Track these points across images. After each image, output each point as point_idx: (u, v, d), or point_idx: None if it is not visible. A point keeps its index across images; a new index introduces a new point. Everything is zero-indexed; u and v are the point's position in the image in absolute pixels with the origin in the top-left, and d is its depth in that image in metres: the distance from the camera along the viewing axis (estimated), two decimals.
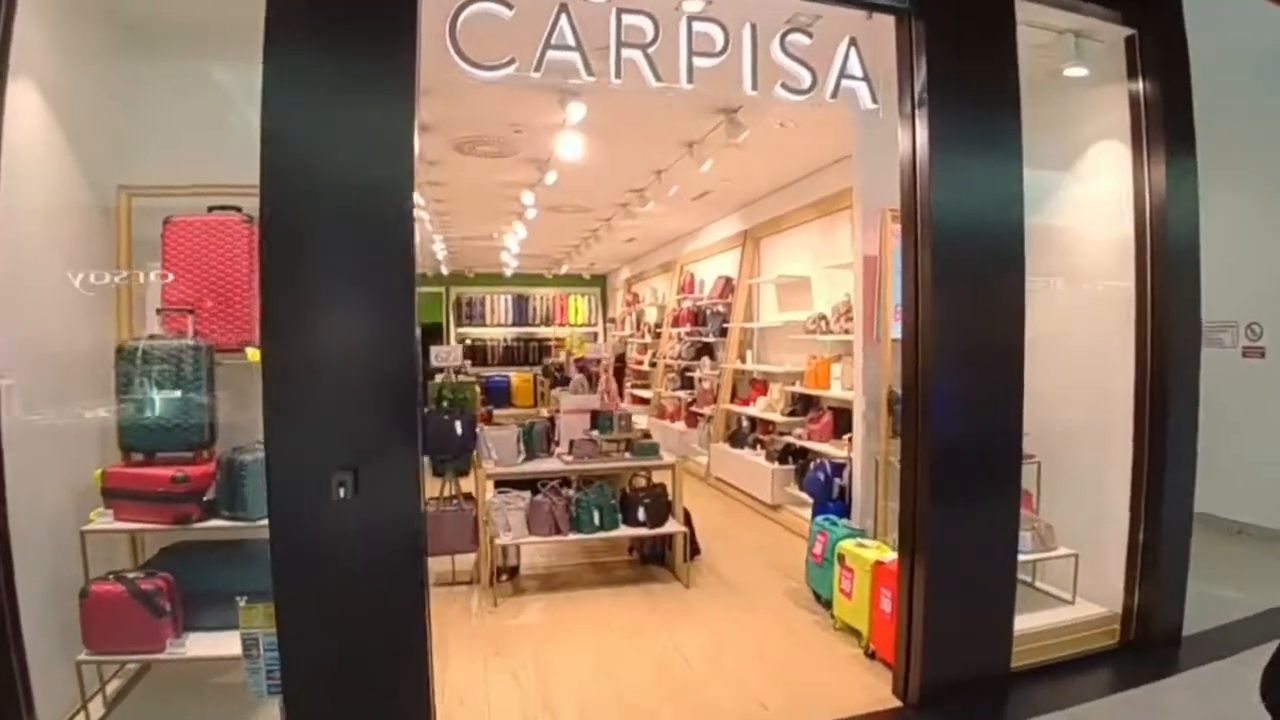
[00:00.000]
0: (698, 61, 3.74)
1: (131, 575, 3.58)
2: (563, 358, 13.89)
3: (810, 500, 6.42)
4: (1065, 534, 4.98)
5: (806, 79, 3.82)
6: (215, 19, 3.77)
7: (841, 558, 4.89)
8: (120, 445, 3.77)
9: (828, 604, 5.16)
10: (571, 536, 5.79)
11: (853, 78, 3.88)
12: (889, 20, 4.00)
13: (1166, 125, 4.51)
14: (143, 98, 4.00)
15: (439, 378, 6.67)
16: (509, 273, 16.83)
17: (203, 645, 3.61)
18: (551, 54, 3.60)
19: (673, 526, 5.93)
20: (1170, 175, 4.49)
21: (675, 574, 6.04)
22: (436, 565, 5.97)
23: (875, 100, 3.94)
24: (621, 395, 14.33)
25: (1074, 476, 5.03)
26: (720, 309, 10.50)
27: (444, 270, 16.82)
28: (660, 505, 5.90)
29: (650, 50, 3.65)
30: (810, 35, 3.83)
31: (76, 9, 3.73)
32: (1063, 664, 4.46)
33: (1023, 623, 4.48)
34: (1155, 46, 4.53)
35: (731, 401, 9.66)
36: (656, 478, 6.21)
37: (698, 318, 11.29)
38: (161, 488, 3.61)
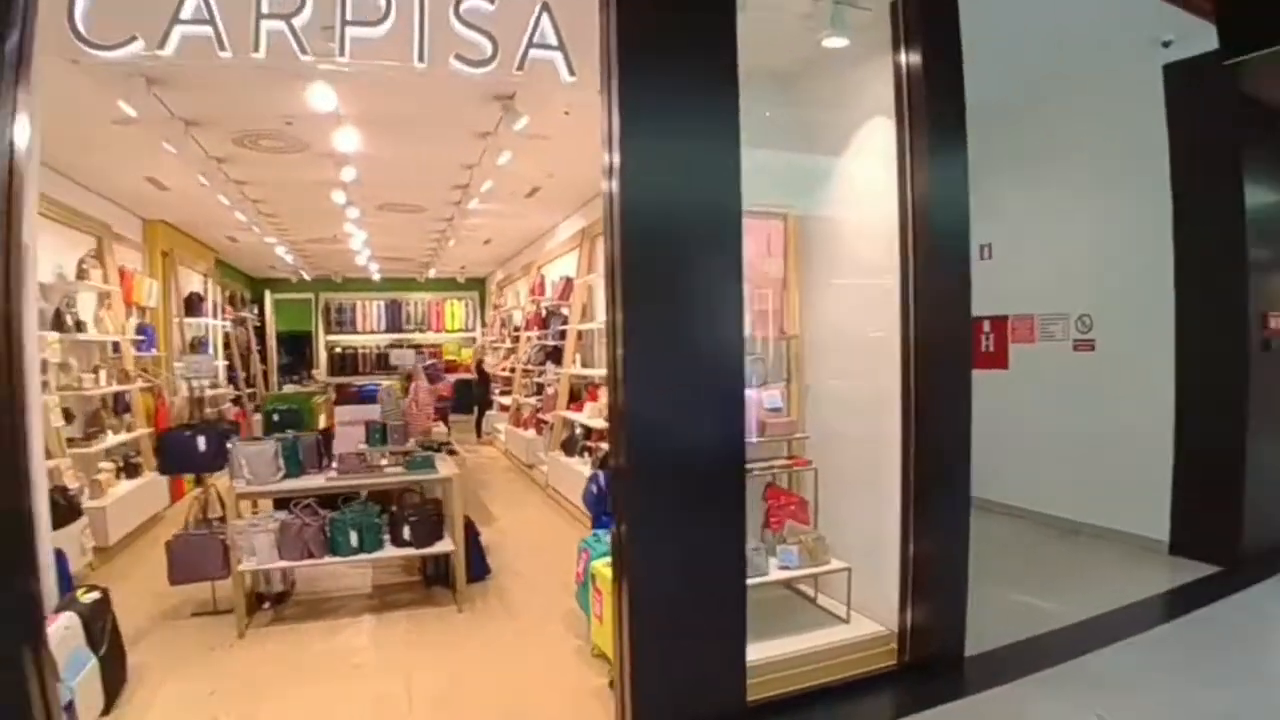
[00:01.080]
0: (363, 32, 3.32)
1: None
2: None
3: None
4: (847, 546, 4.66)
5: (487, 48, 3.41)
6: None
7: (594, 578, 4.48)
8: None
9: None
10: (326, 560, 5.26)
11: (546, 48, 3.49)
12: None
13: (932, 101, 4.16)
14: None
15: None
16: (378, 277, 16.16)
17: None
18: (185, 29, 3.20)
19: (444, 546, 5.45)
20: (935, 156, 4.15)
21: (455, 598, 5.56)
22: (197, 593, 5.47)
23: (573, 73, 3.55)
24: (490, 402, 13.89)
25: (853, 484, 4.70)
26: (564, 311, 10.09)
27: (306, 275, 16.04)
28: (430, 523, 5.42)
29: (296, 20, 3.22)
30: (493, 1, 3.42)
31: None
32: (827, 691, 4.11)
33: (795, 644, 4.21)
34: (920, 13, 4.18)
35: (569, 407, 9.23)
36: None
37: (545, 321, 10.86)
38: None
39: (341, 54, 3.30)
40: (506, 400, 12.94)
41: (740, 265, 3.50)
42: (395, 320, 17.61)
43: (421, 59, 3.35)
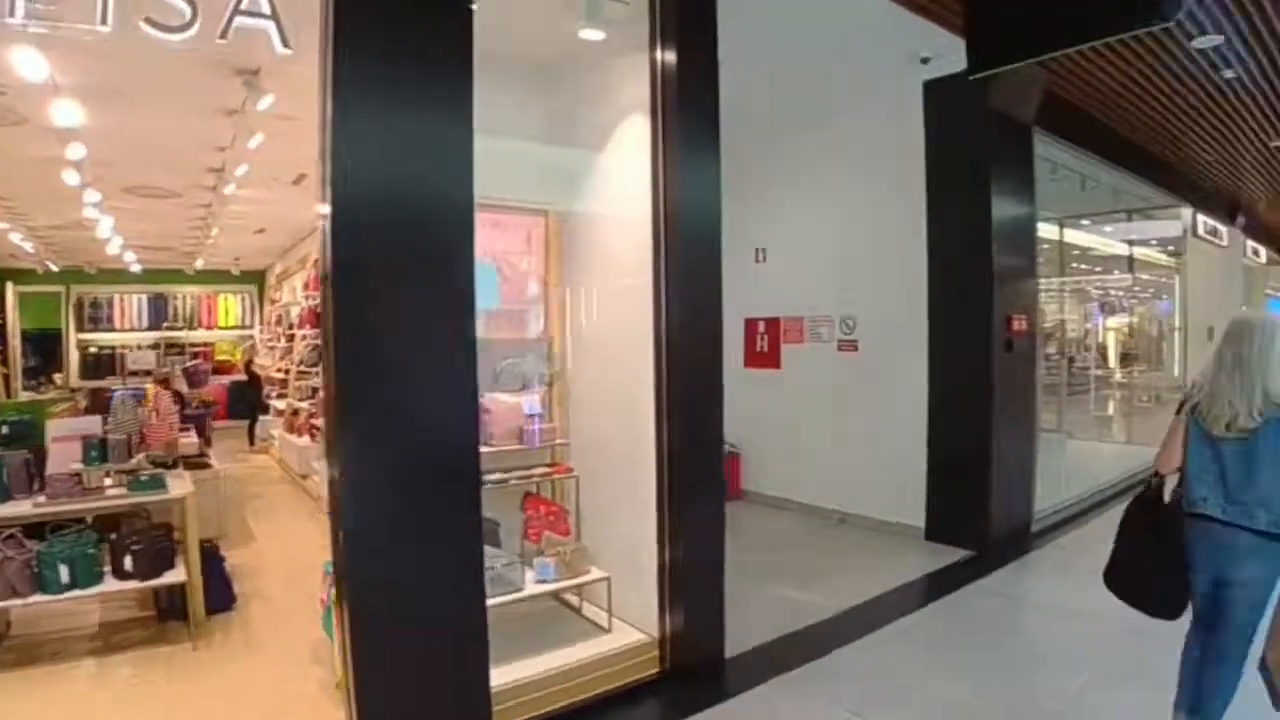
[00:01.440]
0: None
1: None
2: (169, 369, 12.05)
3: None
4: (610, 554, 4.54)
5: (186, 12, 2.98)
6: None
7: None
8: None
9: None
10: (34, 599, 4.55)
11: (256, 15, 3.10)
12: None
13: (686, 100, 4.10)
14: None
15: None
16: (138, 268, 14.60)
17: None
18: None
19: (175, 576, 4.86)
20: (689, 156, 4.10)
21: (191, 633, 4.97)
22: None
23: (287, 45, 3.18)
24: (265, 406, 12.92)
25: (614, 490, 4.57)
26: None
27: (53, 266, 14.25)
28: (157, 551, 4.81)
29: None
30: None
31: None
32: (584, 708, 3.96)
33: (555, 660, 4.06)
34: (677, 10, 4.09)
35: None
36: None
37: (319, 318, 10.14)
38: None
39: (11, 15, 2.79)
40: (283, 404, 12.05)
41: (470, 261, 3.26)
42: (160, 316, 15.98)
43: (105, 21, 2.88)
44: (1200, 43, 6.10)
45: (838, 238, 7.45)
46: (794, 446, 7.88)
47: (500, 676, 3.65)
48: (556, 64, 4.77)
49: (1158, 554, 3.14)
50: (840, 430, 7.40)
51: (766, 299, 8.02)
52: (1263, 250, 18.13)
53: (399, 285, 3.10)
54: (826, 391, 7.53)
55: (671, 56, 4.05)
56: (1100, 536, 7.03)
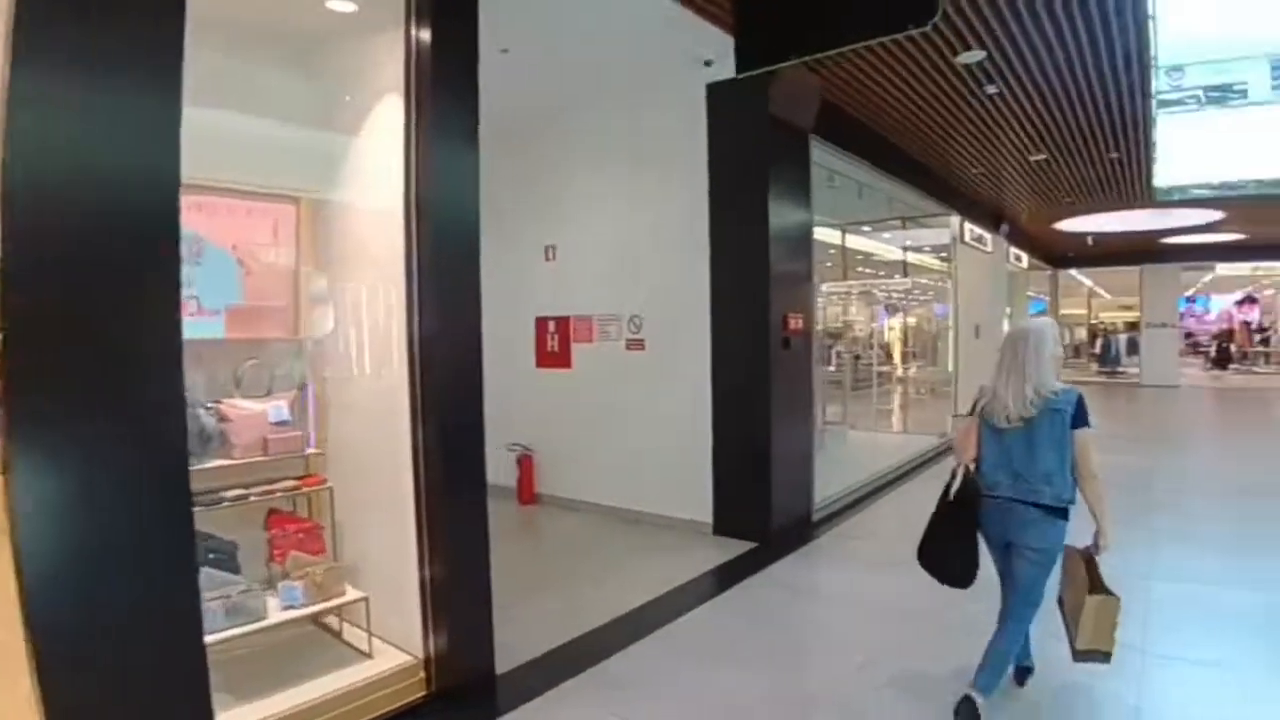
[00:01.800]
0: None
1: None
2: None
3: None
4: (372, 571, 4.22)
5: None
6: None
7: None
8: None
9: None
10: None
11: None
12: None
13: (442, 82, 3.83)
14: None
15: None
16: None
17: None
18: None
19: None
20: (445, 141, 3.85)
21: None
22: None
23: None
24: None
25: (375, 501, 4.23)
26: None
27: None
28: None
29: None
30: None
31: None
32: None
33: (306, 694, 3.65)
34: None
35: None
36: None
37: None
38: None
39: None
40: None
41: (174, 251, 2.79)
42: None
43: None
44: (964, 58, 6.47)
45: (625, 236, 7.40)
46: (587, 447, 7.79)
47: None
48: (307, 37, 4.37)
49: (958, 532, 3.57)
50: (631, 429, 7.37)
51: (557, 298, 7.89)
52: (1024, 256, 19.97)
53: (76, 280, 2.60)
54: (616, 391, 7.48)
55: (426, 34, 3.77)
56: (877, 520, 7.51)
